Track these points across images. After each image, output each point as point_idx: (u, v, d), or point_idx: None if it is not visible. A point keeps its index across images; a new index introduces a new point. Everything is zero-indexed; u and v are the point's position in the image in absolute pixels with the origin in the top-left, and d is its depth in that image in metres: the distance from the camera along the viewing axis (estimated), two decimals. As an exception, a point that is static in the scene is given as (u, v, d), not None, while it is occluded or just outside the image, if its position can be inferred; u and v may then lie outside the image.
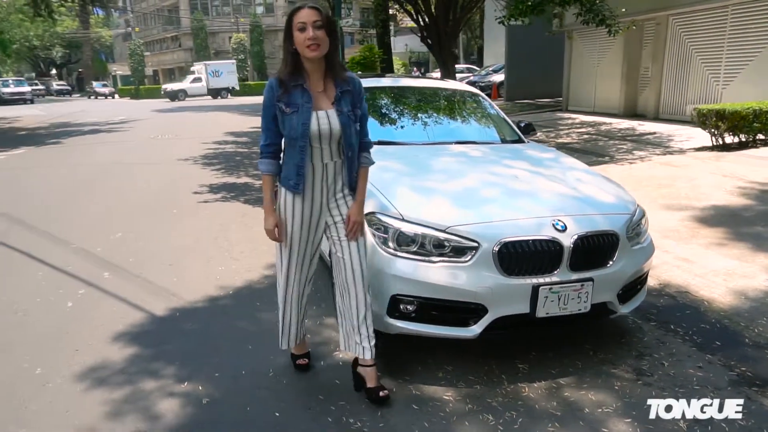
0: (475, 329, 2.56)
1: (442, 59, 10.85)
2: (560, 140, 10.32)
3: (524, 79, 18.53)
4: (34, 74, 57.81)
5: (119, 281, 3.91)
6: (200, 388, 2.60)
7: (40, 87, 48.09)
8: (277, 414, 2.41)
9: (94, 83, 48.28)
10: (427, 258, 2.55)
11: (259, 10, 46.77)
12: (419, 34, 11.31)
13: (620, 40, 12.90)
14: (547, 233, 2.56)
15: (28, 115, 24.00)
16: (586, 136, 10.59)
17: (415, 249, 2.58)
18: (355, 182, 2.40)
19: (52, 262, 4.30)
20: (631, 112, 13.06)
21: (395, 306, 2.61)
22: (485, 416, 2.39)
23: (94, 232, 5.16)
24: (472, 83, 24.35)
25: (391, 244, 2.61)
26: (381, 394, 2.44)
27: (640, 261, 2.86)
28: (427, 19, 10.56)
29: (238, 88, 38.07)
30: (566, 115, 14.50)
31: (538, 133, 10.93)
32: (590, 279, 2.61)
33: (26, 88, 37.52)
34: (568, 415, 2.41)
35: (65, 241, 4.87)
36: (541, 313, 2.56)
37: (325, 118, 2.25)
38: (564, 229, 2.58)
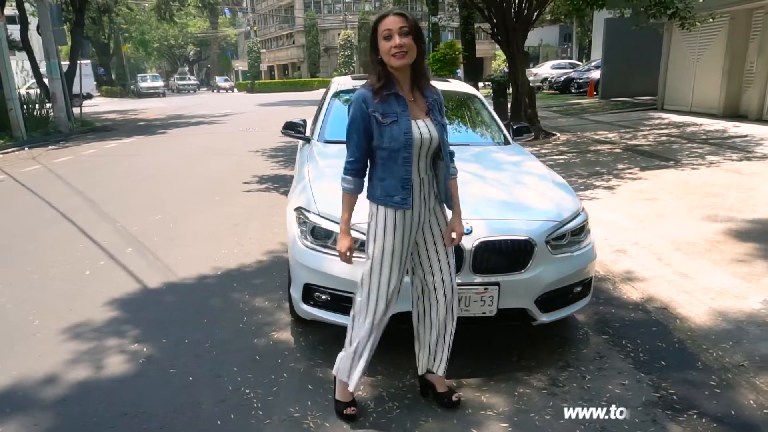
0: (375, 322, 2.69)
1: (511, 56, 10.59)
2: (632, 141, 9.66)
3: (621, 75, 17.32)
4: (186, 68, 63.75)
5: (135, 256, 4.52)
6: (145, 349, 3.03)
7: (193, 82, 51.66)
8: (191, 378, 2.75)
9: (217, 78, 52.85)
10: (334, 252, 2.73)
11: (369, 7, 48.06)
12: (489, 31, 11.12)
13: (723, 32, 11.70)
14: (449, 235, 2.62)
15: (154, 107, 27.02)
16: (663, 138, 9.79)
17: (329, 243, 2.77)
18: (445, 196, 2.30)
19: (94, 237, 5.05)
20: (732, 113, 11.76)
21: (308, 294, 2.83)
22: (367, 403, 2.54)
23: (141, 213, 5.92)
24: (570, 80, 23.26)
25: (308, 237, 2.83)
26: (454, 398, 2.49)
27: (564, 270, 2.80)
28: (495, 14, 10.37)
29: (96, 93, 32.10)
30: (658, 114, 13.39)
31: (612, 134, 10.36)
32: (496, 283, 2.63)
33: (160, 83, 42.16)
34: (448, 413, 2.47)
35: (114, 219, 5.65)
36: (440, 312, 2.63)
37: (424, 128, 2.15)
38: (469, 232, 2.63)
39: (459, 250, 2.59)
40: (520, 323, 2.86)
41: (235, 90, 49.89)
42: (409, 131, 2.11)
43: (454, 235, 2.35)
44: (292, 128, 4.18)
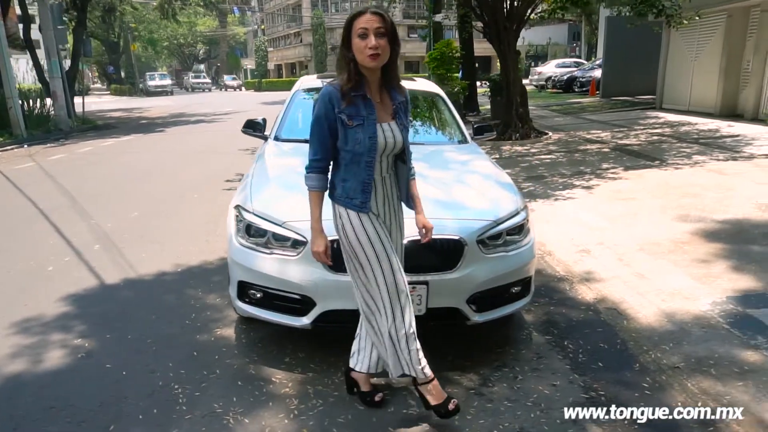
0: (305, 320, 2.71)
1: (503, 55, 10.53)
2: (623, 141, 9.58)
3: (623, 74, 17.17)
4: (202, 67, 63.59)
5: (101, 253, 4.58)
6: (87, 344, 3.07)
7: (207, 81, 51.57)
8: (125, 373, 2.78)
9: (225, 77, 53.19)
10: (266, 250, 2.75)
11: (375, 5, 47.93)
12: (481, 30, 11.08)
13: (720, 30, 11.55)
14: (377, 234, 2.62)
15: (159, 105, 27.24)
16: (654, 138, 9.70)
17: (263, 241, 2.79)
18: (406, 196, 2.34)
19: (65, 233, 5.12)
20: (729, 112, 11.60)
21: (243, 291, 2.85)
22: (291, 400, 2.55)
23: (118, 210, 5.98)
24: (573, 78, 23.08)
25: (243, 235, 2.85)
26: (377, 398, 2.48)
27: (498, 270, 2.79)
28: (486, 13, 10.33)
29: None
30: (655, 114, 13.24)
31: (605, 134, 10.26)
32: (425, 282, 2.64)
33: (167, 81, 42.61)
34: (369, 412, 2.47)
35: (91, 216, 5.73)
36: (368, 311, 2.64)
37: (389, 132, 2.14)
38: (397, 231, 2.63)
39: (386, 249, 2.60)
40: (454, 323, 2.86)
41: (243, 88, 50.15)
42: (374, 136, 2.10)
43: (424, 230, 2.38)
44: (252, 127, 4.21)
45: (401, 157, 2.26)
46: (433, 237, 2.63)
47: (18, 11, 18.95)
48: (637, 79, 16.74)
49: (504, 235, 2.85)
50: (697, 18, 8.72)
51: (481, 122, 4.38)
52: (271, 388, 2.66)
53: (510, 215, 2.91)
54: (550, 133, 10.93)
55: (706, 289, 3.58)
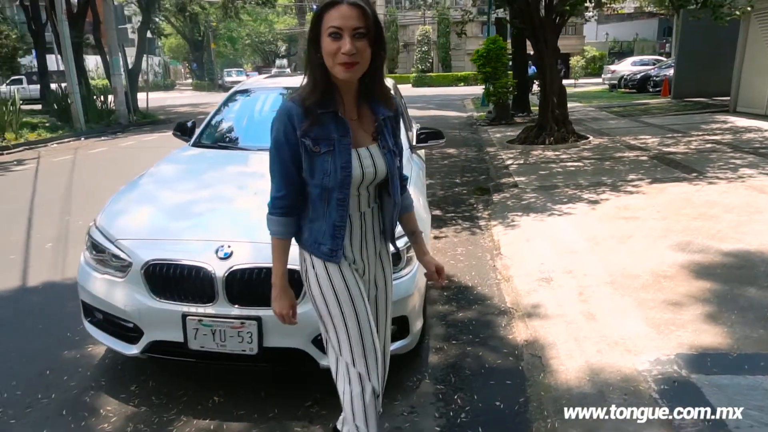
0: (134, 350, 2.46)
1: (539, 53, 9.74)
2: (669, 149, 8.53)
3: (698, 73, 15.47)
4: (285, 62, 66.03)
5: (47, 253, 4.60)
6: (-41, 353, 3.00)
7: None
8: (-22, 386, 2.67)
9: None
10: (101, 269, 2.53)
11: (448, 2, 47.14)
12: (519, 24, 10.32)
13: (805, 22, 9.99)
14: (203, 259, 2.31)
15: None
16: (707, 146, 8.54)
17: (105, 259, 2.56)
18: (391, 232, 1.82)
19: (34, 229, 5.22)
20: (812, 117, 10.04)
21: (88, 311, 2.65)
22: (104, 437, 2.31)
23: (99, 208, 6.03)
24: (646, 77, 21.28)
25: (89, 250, 2.64)
26: None
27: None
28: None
29: None
30: (724, 117, 11.76)
31: (654, 139, 9.24)
32: (255, 318, 2.29)
33: (243, 78, 44.08)
34: (173, 461, 2.18)
35: (71, 213, 5.83)
36: (194, 345, 2.34)
37: (368, 159, 1.64)
38: (227, 257, 2.31)
39: (210, 278, 2.28)
40: (302, 367, 2.48)
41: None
42: (348, 165, 1.59)
43: (436, 272, 1.90)
44: (181, 130, 4.02)
45: (387, 189, 1.73)
46: (265, 265, 2.27)
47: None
48: (716, 79, 14.99)
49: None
50: (749, 9, 7.51)
51: (428, 128, 3.89)
52: (92, 422, 2.43)
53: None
54: (591, 137, 9.99)
55: (659, 341, 2.91)
